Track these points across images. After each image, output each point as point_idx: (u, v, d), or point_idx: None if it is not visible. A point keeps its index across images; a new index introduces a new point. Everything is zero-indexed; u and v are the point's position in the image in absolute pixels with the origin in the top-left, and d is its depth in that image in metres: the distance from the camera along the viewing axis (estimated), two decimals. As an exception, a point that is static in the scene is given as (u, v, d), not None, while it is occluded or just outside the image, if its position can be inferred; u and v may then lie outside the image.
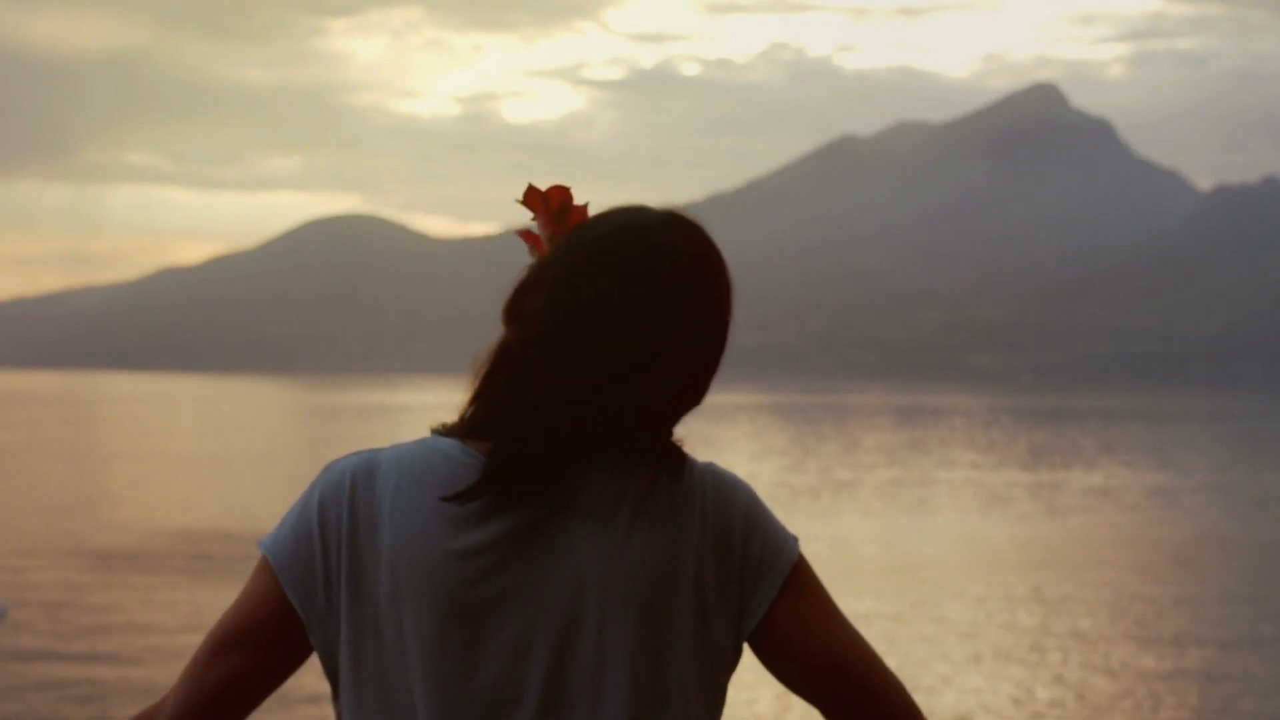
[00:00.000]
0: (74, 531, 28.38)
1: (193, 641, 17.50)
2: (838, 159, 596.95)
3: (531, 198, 1.91)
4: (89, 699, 14.70)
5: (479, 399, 1.82)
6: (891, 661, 16.79)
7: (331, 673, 1.81)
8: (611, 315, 1.78)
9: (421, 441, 1.82)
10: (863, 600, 20.83)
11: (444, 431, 1.83)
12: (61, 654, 16.69)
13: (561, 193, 1.90)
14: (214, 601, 20.18)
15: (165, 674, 15.70)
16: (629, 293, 1.79)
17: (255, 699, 1.83)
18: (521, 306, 1.83)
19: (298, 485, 42.16)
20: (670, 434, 1.84)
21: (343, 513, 1.80)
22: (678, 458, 1.82)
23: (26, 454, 53.50)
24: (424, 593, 1.74)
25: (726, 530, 1.81)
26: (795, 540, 1.85)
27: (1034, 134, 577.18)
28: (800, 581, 1.83)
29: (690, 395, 1.85)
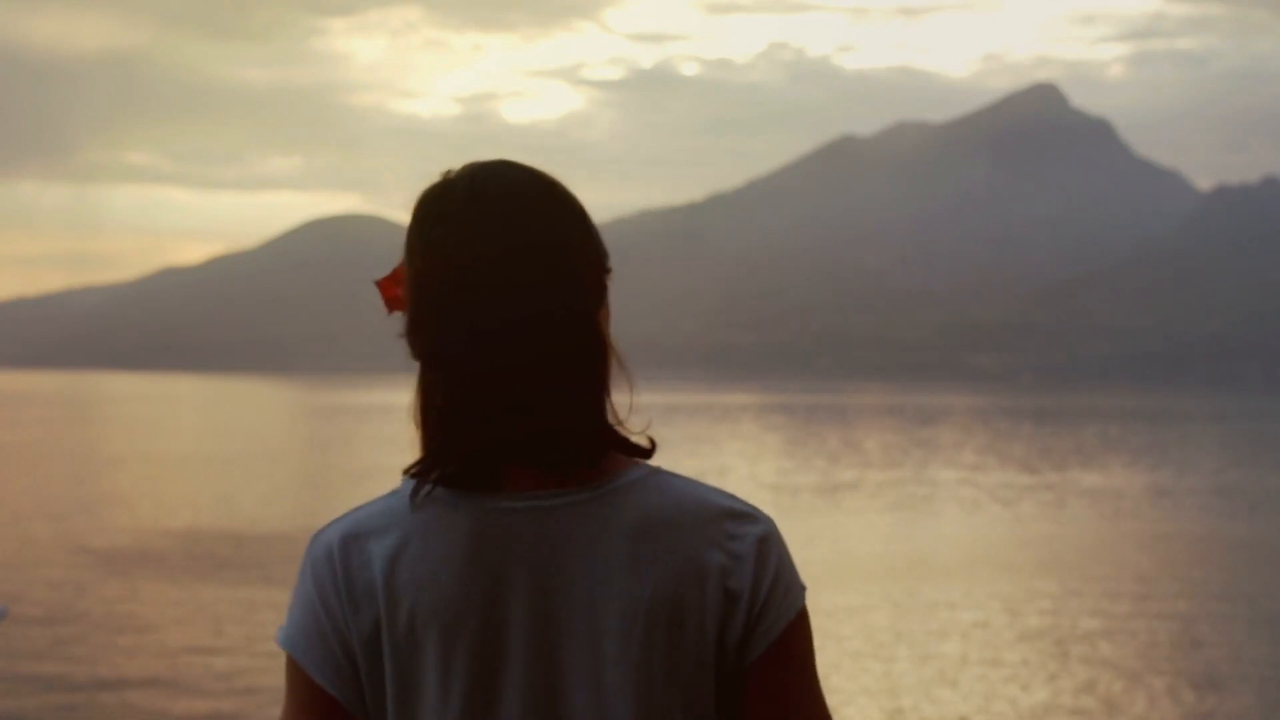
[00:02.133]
0: (75, 531, 28.41)
1: (192, 640, 17.50)
2: (838, 159, 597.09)
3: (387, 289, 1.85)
4: (90, 700, 14.71)
5: (428, 443, 1.76)
6: (889, 661, 16.80)
7: None
8: (499, 298, 1.74)
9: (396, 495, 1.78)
10: (861, 600, 20.85)
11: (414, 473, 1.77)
12: (63, 654, 16.70)
13: (384, 286, 1.85)
14: (214, 601, 20.20)
15: (166, 672, 15.71)
16: (497, 270, 1.74)
17: None
18: (418, 338, 1.78)
19: (298, 485, 42.22)
20: (613, 425, 1.79)
21: (338, 578, 1.74)
22: (640, 453, 1.79)
23: (27, 454, 53.53)
24: (438, 635, 1.72)
25: (736, 564, 1.75)
26: (802, 591, 1.81)
27: (1034, 134, 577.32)
28: (793, 641, 1.79)
29: (600, 349, 1.78)
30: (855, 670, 16.18)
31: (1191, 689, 15.83)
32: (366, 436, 66.04)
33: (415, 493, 1.73)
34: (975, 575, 23.95)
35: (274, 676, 15.41)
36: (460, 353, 1.73)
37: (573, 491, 1.73)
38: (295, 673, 1.77)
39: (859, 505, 35.86)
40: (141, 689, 15.07)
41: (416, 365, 1.76)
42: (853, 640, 17.82)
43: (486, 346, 1.72)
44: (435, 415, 1.75)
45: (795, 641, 1.79)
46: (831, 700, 14.76)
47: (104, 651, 16.94)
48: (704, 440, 64.05)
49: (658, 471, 1.78)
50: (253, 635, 17.63)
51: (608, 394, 1.79)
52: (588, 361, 1.76)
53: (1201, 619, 20.27)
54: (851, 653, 17.07)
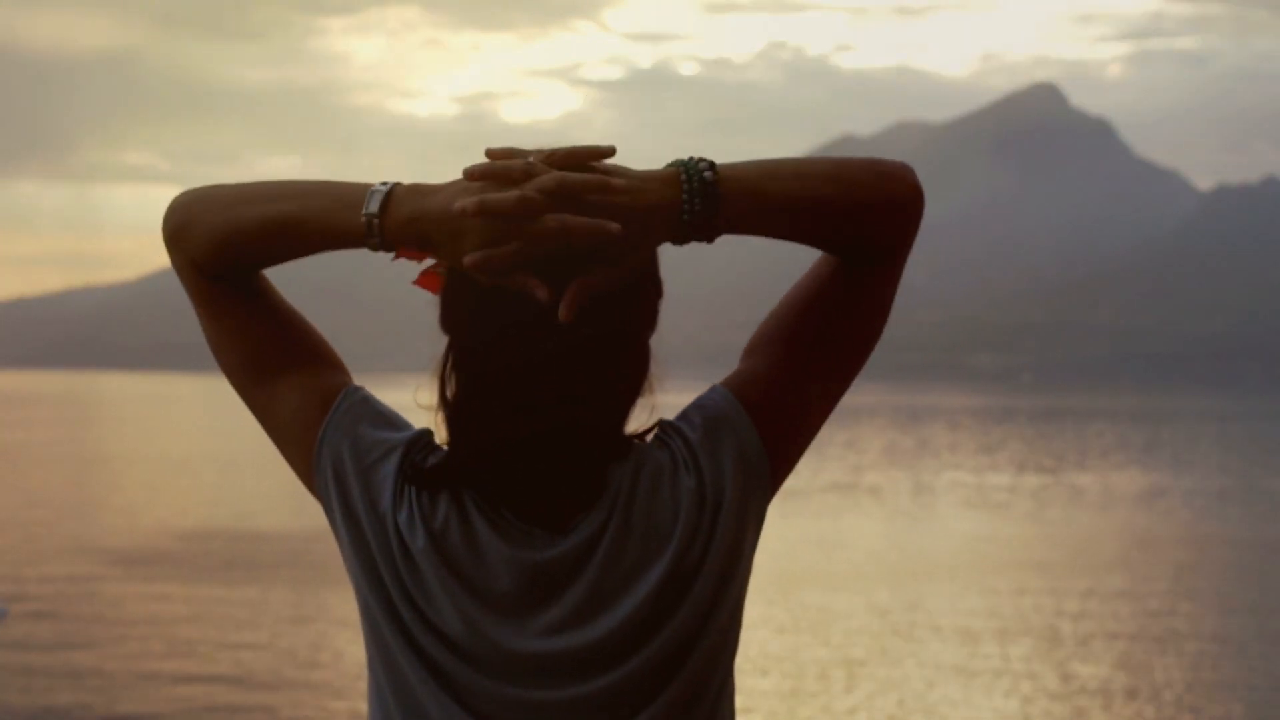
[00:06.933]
0: (75, 532, 28.44)
1: (195, 641, 17.54)
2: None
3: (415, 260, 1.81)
4: (92, 701, 14.75)
5: (453, 427, 1.74)
6: (887, 663, 16.84)
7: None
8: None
9: None
10: (860, 601, 20.90)
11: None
12: (64, 655, 16.75)
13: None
14: (217, 601, 20.23)
15: (169, 672, 15.75)
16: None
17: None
18: (453, 314, 1.77)
19: (300, 485, 41.98)
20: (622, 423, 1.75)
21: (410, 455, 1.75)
22: (629, 448, 1.75)
23: (27, 454, 53.54)
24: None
25: (717, 485, 1.75)
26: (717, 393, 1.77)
27: (1034, 134, 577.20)
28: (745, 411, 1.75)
29: (640, 352, 1.75)
30: (853, 671, 16.22)
31: (1189, 691, 15.88)
32: (367, 436, 65.90)
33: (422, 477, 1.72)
34: (974, 575, 24.00)
35: (278, 675, 15.48)
36: (492, 344, 1.70)
37: (561, 526, 1.66)
38: (327, 393, 1.80)
39: (857, 505, 35.89)
40: (142, 689, 15.11)
41: (429, 362, 1.73)
42: (850, 641, 17.87)
43: (520, 337, 1.67)
44: (461, 410, 1.74)
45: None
46: (830, 701, 14.83)
47: (105, 652, 16.98)
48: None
49: (625, 504, 1.69)
50: (256, 635, 17.68)
51: (636, 389, 1.77)
52: (612, 355, 1.74)
53: (1200, 621, 20.32)
54: (849, 654, 17.11)
